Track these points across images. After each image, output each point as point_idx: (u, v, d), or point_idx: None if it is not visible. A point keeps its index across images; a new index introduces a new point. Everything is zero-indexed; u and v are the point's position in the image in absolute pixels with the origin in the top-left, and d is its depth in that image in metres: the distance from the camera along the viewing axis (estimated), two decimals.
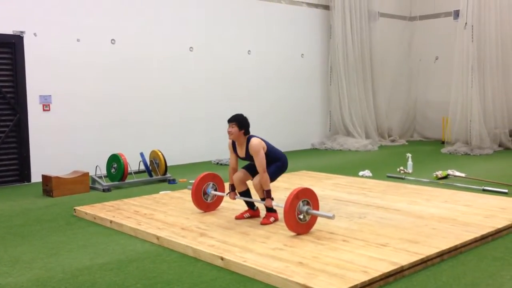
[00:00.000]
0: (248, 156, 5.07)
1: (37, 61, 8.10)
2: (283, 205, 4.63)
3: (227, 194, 5.40)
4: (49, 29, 8.21)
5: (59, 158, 8.28)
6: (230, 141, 5.21)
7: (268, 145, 5.11)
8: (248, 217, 5.32)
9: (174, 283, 3.77)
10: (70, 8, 8.40)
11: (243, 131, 5.06)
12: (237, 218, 5.31)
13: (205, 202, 5.62)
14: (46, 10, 8.16)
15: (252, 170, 5.22)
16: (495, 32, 11.40)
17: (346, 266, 3.84)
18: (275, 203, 4.99)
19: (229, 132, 5.05)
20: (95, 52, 8.71)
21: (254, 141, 4.99)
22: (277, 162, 5.14)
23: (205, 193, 5.59)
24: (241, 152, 5.14)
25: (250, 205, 5.37)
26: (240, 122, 5.04)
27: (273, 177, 5.09)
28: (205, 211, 5.63)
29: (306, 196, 4.72)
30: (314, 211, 4.74)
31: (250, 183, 5.27)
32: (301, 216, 4.67)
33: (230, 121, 5.07)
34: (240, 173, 5.25)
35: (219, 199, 5.75)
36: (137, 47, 9.21)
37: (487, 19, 11.30)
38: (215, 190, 5.66)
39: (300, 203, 4.66)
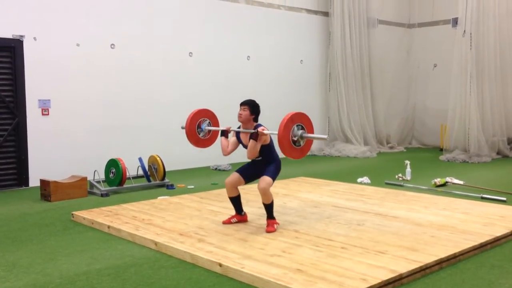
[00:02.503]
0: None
1: (36, 65, 8.10)
2: (277, 131, 4.64)
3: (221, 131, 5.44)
4: (49, 34, 8.21)
5: (57, 162, 8.26)
6: (235, 134, 5.25)
7: (271, 140, 5.16)
8: (236, 222, 5.37)
9: None
10: (70, 12, 8.41)
11: (253, 116, 5.12)
12: (224, 223, 5.36)
13: (197, 136, 5.75)
14: (46, 14, 8.17)
15: (246, 174, 5.23)
16: (493, 40, 11.44)
17: (345, 273, 3.83)
18: (268, 131, 4.95)
19: (239, 115, 5.10)
20: (95, 56, 8.71)
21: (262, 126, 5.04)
22: (276, 161, 5.15)
23: (199, 127, 5.72)
24: (246, 139, 5.14)
25: (238, 210, 5.39)
26: (252, 107, 5.10)
27: (273, 177, 5.08)
28: (196, 146, 5.85)
29: (301, 121, 4.75)
30: (309, 134, 4.77)
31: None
32: (295, 138, 4.71)
33: (242, 104, 5.12)
34: (233, 177, 5.26)
35: (214, 136, 5.85)
36: (137, 52, 9.22)
37: (486, 27, 11.34)
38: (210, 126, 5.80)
39: (295, 127, 4.69)
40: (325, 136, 4.86)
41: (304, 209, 6.06)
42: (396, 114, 13.95)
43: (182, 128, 5.79)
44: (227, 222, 5.37)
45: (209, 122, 5.79)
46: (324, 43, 12.48)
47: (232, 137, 5.35)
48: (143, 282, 3.91)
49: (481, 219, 5.50)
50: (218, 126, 5.85)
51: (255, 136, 4.89)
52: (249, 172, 5.25)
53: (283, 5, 11.53)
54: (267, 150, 5.10)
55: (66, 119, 8.43)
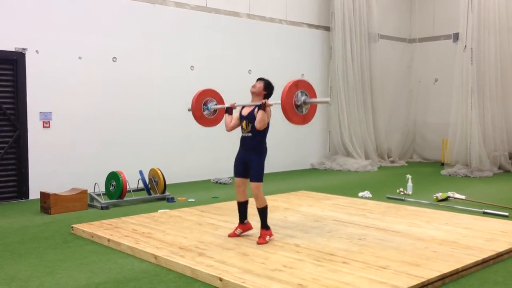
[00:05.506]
0: (250, 116, 5.15)
1: (38, 78, 8.13)
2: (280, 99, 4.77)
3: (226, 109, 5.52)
4: (51, 47, 8.25)
5: (58, 175, 8.24)
6: (239, 111, 5.36)
7: (267, 127, 5.23)
8: (241, 233, 5.36)
9: None
10: (73, 26, 8.46)
11: (265, 92, 5.28)
12: (230, 236, 5.35)
13: (201, 112, 5.90)
14: (49, 28, 8.22)
15: (241, 171, 5.25)
16: (494, 55, 11.48)
17: None
18: (272, 101, 5.09)
19: (253, 86, 5.30)
20: (97, 70, 8.74)
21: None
22: (262, 149, 5.22)
23: (205, 104, 5.90)
24: (246, 111, 5.24)
25: (241, 218, 5.38)
26: (267, 84, 5.33)
27: (259, 177, 5.12)
28: (199, 122, 5.93)
29: (305, 88, 4.89)
30: (312, 99, 4.90)
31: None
32: (299, 103, 4.82)
33: (260, 79, 5.37)
34: (237, 182, 5.29)
35: (217, 118, 5.98)
36: (138, 66, 9.25)
37: (487, 42, 11.39)
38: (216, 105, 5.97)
39: (299, 93, 4.83)
40: (328, 99, 5.02)
41: (305, 223, 6.02)
42: (397, 128, 13.96)
43: (189, 110, 5.95)
44: (232, 235, 5.35)
45: (215, 104, 5.99)
46: (325, 57, 12.52)
47: (236, 113, 5.41)
48: None
49: (483, 234, 5.46)
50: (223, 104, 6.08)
51: (263, 107, 5.06)
52: (242, 166, 5.23)
53: (285, 20, 11.60)
54: (260, 131, 5.16)
55: (67, 132, 8.43)
